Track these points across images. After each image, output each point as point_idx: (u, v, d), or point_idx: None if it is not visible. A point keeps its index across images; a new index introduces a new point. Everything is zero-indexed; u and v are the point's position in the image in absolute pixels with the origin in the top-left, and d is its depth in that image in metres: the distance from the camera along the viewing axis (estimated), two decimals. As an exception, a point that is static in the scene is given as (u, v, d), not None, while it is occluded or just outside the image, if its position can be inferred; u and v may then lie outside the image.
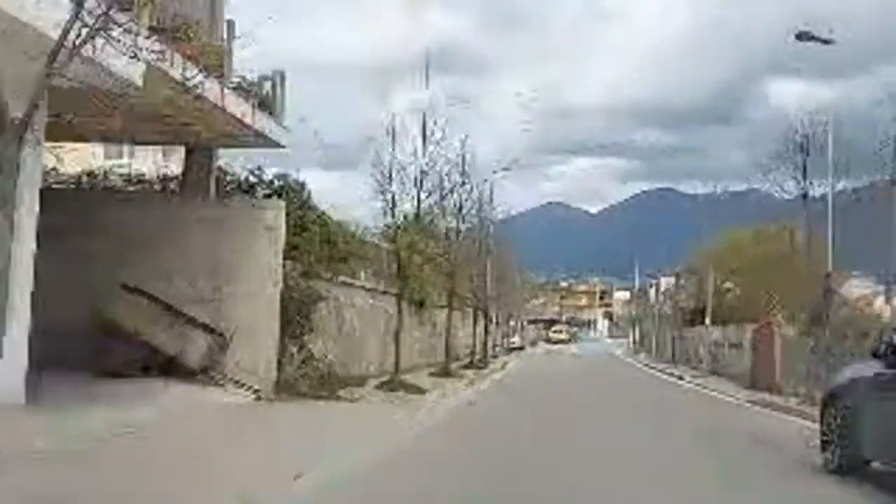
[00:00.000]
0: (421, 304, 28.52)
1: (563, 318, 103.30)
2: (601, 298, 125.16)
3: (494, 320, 51.28)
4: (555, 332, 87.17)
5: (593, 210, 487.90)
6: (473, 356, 32.64)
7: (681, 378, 32.63)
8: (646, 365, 44.65)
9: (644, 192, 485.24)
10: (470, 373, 28.20)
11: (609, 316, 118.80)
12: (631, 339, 79.22)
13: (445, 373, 24.33)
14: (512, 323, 66.67)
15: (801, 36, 17.95)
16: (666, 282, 61.92)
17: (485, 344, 35.68)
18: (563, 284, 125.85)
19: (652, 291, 79.33)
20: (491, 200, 33.12)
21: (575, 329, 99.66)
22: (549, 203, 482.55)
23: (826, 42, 17.14)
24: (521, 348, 61.47)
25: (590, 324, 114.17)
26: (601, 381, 30.22)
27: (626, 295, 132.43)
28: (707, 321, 36.58)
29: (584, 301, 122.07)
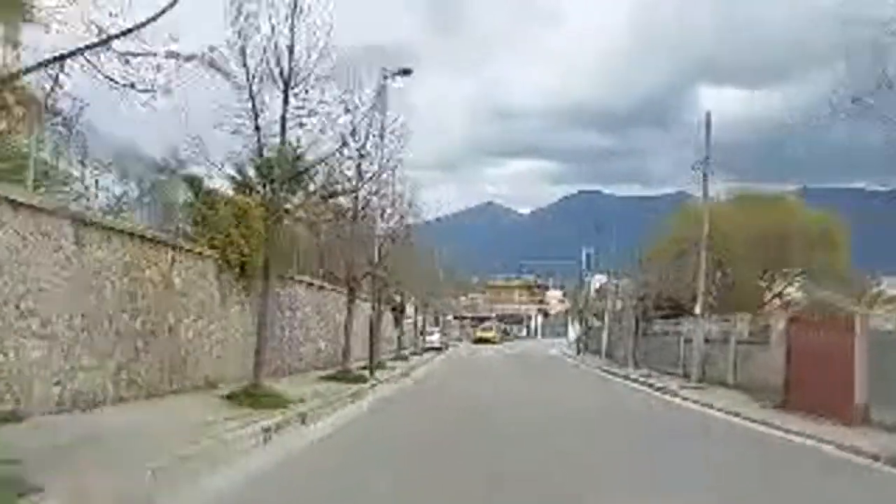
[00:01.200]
0: (242, 270, 16.03)
1: (494, 314, 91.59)
2: (535, 295, 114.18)
3: (400, 313, 39.21)
4: (482, 329, 74.90)
5: (526, 211, 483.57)
6: (346, 361, 20.17)
7: (671, 393, 21.04)
8: (604, 370, 32.95)
9: (575, 193, 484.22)
10: (331, 391, 15.78)
11: (544, 313, 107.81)
12: (571, 337, 68.31)
13: (253, 399, 11.80)
14: (429, 318, 54.49)
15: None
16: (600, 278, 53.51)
17: (372, 344, 23.13)
18: (494, 282, 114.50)
19: (594, 285, 68.83)
20: (381, 136, 20.50)
21: (506, 327, 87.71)
22: (485, 203, 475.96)
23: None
24: (441, 348, 49.46)
25: (523, 321, 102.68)
26: (554, 404, 18.18)
27: (559, 294, 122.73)
28: (697, 310, 25.15)
29: (516, 297, 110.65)
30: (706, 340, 25.11)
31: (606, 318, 46.11)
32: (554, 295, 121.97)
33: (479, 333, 73.31)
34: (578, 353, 48.65)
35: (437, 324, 57.15)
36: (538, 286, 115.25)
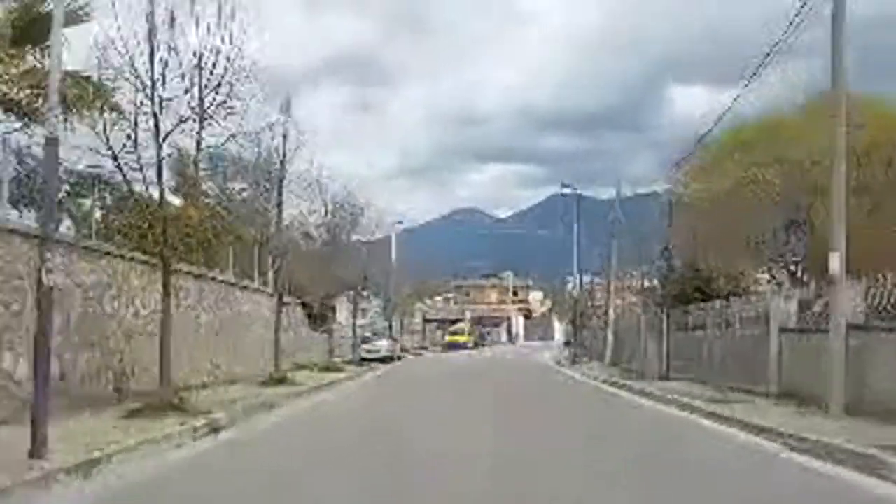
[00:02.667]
0: None
1: (469, 316, 78.12)
2: (515, 295, 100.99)
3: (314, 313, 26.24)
4: (452, 333, 61.08)
5: (503, 215, 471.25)
6: None
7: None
8: (627, 389, 19.38)
9: (553, 196, 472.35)
10: None
11: (526, 314, 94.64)
12: (559, 340, 55.55)
13: None
14: (361, 321, 41.09)
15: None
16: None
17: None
18: (469, 282, 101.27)
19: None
20: None
21: (482, 330, 73.93)
22: (463, 208, 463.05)
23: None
24: (389, 359, 36.07)
25: (503, 323, 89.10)
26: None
27: (541, 295, 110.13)
28: (834, 264, 12.01)
29: (495, 298, 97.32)
30: (855, 327, 12.13)
31: (611, 315, 33.07)
32: (535, 297, 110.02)
33: (449, 338, 59.79)
34: (574, 361, 35.46)
35: (390, 328, 43.70)
36: (518, 288, 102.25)
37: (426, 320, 70.87)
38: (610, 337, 32.24)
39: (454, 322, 69.17)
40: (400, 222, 47.48)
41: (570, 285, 73.69)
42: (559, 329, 77.68)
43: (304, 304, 26.80)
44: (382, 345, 36.62)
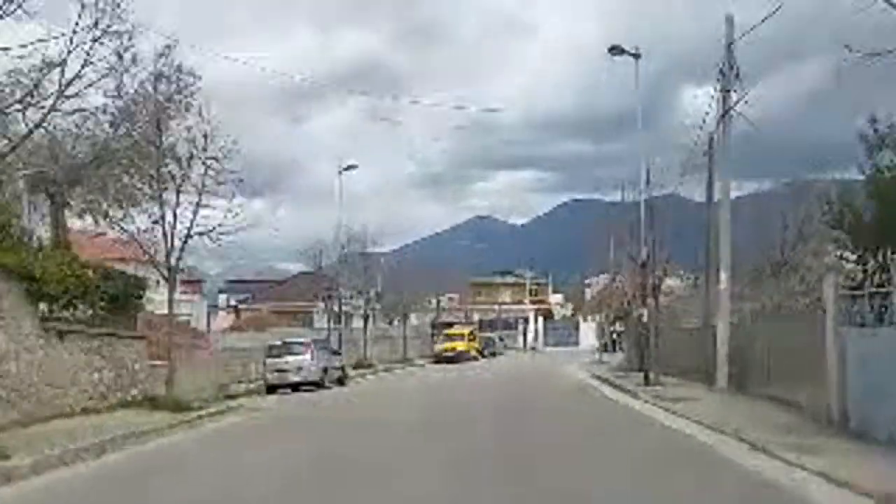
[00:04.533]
0: None
1: (476, 318, 61.75)
2: (534, 294, 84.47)
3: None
4: (447, 338, 44.05)
5: (519, 223, 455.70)
6: None
7: None
8: None
9: (567, 202, 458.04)
10: None
11: (545, 315, 77.73)
12: (585, 344, 39.83)
13: None
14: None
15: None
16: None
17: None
18: (482, 280, 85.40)
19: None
20: None
21: (492, 334, 56.32)
22: (478, 217, 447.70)
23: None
24: (318, 384, 20.08)
25: (518, 326, 71.92)
26: None
27: (560, 298, 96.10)
28: None
29: (509, 297, 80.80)
30: None
31: (724, 295, 16.80)
32: (555, 299, 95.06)
33: (443, 345, 43.49)
34: (647, 381, 19.10)
35: (339, 338, 27.73)
36: (537, 285, 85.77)
37: (434, 325, 54.01)
38: (722, 342, 16.08)
39: (448, 325, 51.62)
40: (354, 166, 34.48)
41: (595, 281, 59.83)
42: (588, 331, 61.52)
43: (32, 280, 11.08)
44: (303, 362, 20.49)
